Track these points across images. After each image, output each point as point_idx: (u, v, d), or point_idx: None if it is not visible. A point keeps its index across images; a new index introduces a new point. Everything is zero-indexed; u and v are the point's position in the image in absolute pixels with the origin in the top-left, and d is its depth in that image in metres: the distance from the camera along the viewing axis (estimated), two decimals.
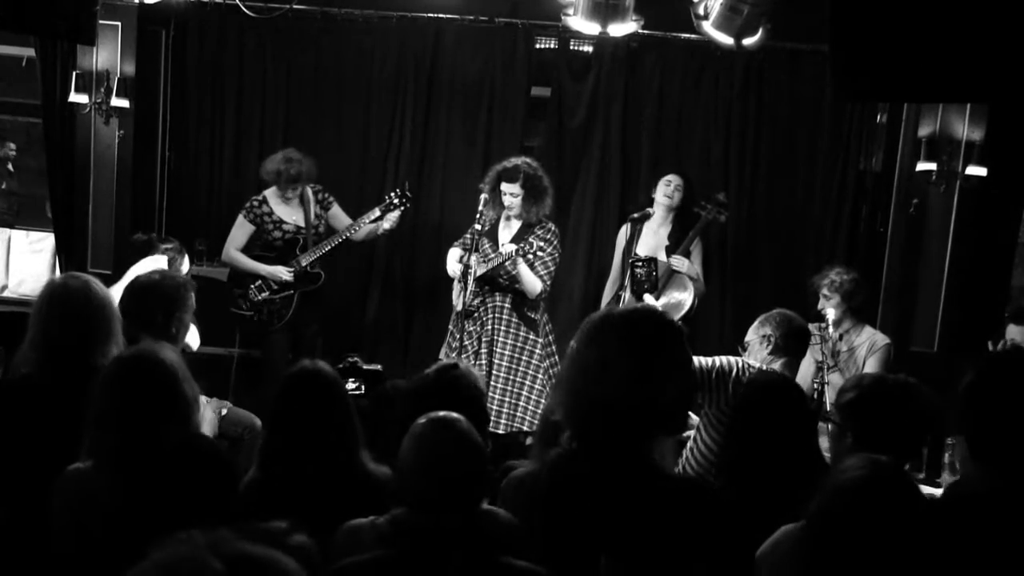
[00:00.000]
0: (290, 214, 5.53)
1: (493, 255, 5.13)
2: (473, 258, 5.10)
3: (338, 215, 5.64)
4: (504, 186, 5.13)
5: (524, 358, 5.24)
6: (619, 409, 2.00)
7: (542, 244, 5.06)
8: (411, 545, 2.02)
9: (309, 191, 5.52)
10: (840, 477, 2.08)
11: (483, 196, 5.19)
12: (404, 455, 2.09)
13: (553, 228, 5.24)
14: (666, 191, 5.42)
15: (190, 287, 3.70)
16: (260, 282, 5.51)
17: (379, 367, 4.56)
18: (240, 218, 5.57)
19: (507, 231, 5.25)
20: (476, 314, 5.17)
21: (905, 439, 2.66)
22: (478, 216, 5.11)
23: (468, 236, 5.38)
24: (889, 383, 2.79)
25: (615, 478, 2.01)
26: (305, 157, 5.45)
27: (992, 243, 5.81)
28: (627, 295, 5.13)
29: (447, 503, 2.03)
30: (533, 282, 5.12)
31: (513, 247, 5.02)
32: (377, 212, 5.49)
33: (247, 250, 5.56)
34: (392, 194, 5.53)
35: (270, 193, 5.52)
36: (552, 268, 5.21)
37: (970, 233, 5.68)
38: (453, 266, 5.32)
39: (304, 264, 5.51)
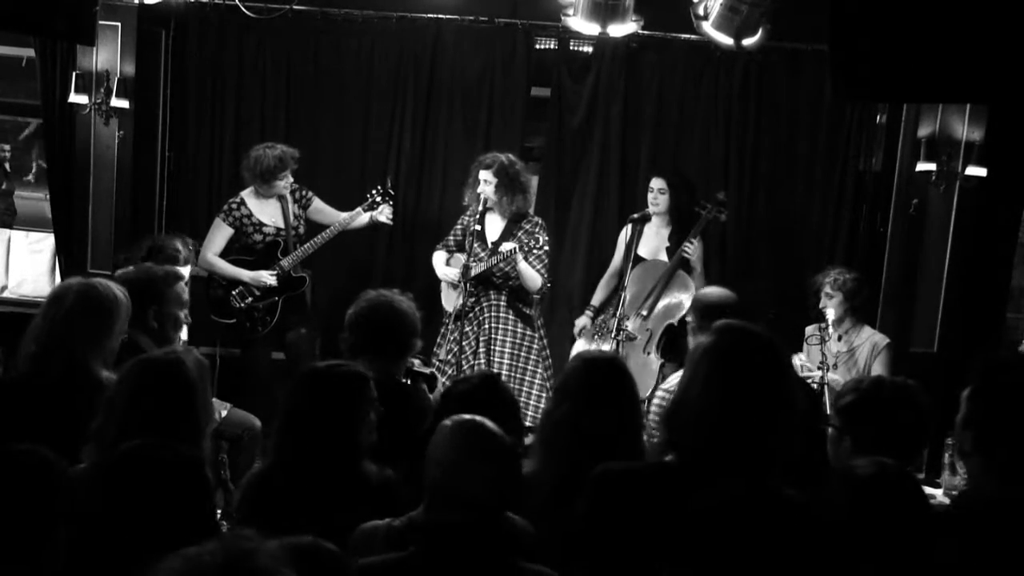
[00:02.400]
0: (270, 216, 5.40)
1: (483, 254, 5.16)
2: (466, 259, 5.18)
3: (321, 209, 5.55)
4: (480, 173, 5.26)
5: (523, 354, 5.30)
6: (751, 437, 2.00)
7: (538, 237, 5.13)
8: (434, 545, 2.02)
9: (287, 192, 5.39)
10: (846, 477, 2.08)
11: (468, 193, 5.34)
12: (439, 453, 2.08)
13: (539, 221, 5.36)
14: (650, 197, 5.47)
15: (171, 280, 3.61)
16: (242, 288, 5.35)
17: (430, 371, 4.09)
18: (218, 220, 5.41)
19: (493, 228, 5.28)
20: (472, 314, 5.20)
21: (904, 442, 2.64)
22: (469, 216, 5.19)
23: (450, 238, 5.50)
24: (887, 386, 2.77)
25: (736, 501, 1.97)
26: (279, 145, 5.37)
27: (992, 243, 5.80)
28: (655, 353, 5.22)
29: (476, 503, 2.03)
30: (534, 277, 5.20)
31: (511, 245, 5.06)
32: (360, 210, 5.46)
33: (224, 254, 5.39)
34: (373, 192, 5.49)
35: (247, 194, 5.41)
36: (546, 260, 5.31)
37: (970, 233, 5.68)
38: (443, 269, 5.38)
39: (287, 268, 5.39)
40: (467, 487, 2.03)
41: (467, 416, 2.16)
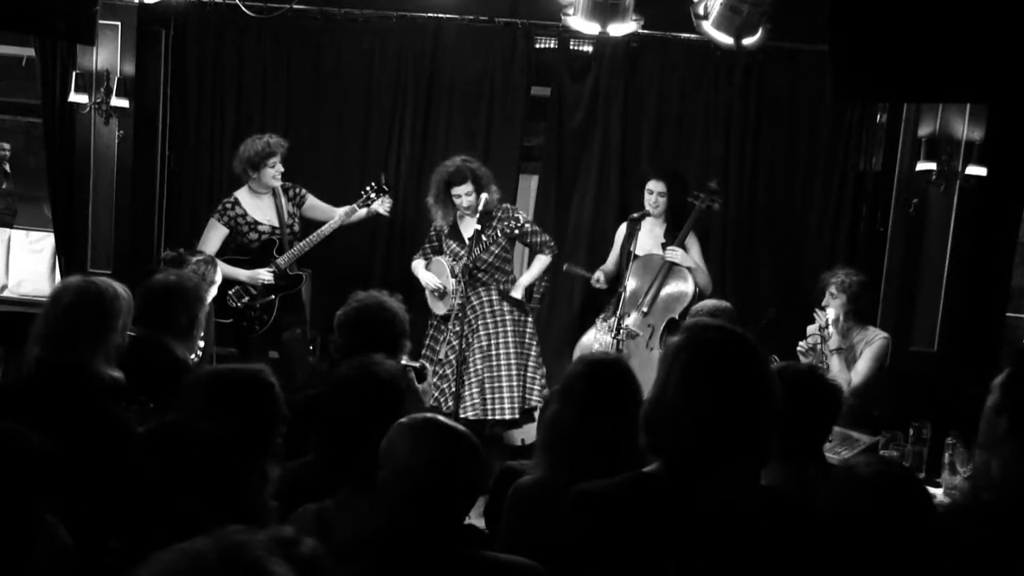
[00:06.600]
0: (264, 214, 5.40)
1: (462, 251, 5.22)
2: (444, 260, 5.32)
3: (316, 205, 5.55)
4: (455, 190, 5.23)
5: (524, 340, 5.43)
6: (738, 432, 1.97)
7: (517, 216, 5.33)
8: (383, 556, 1.96)
9: (278, 184, 5.39)
10: (850, 475, 2.07)
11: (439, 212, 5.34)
12: (400, 453, 2.00)
13: (510, 206, 5.46)
14: (649, 200, 5.50)
15: (196, 281, 3.76)
16: (238, 288, 5.34)
17: (419, 363, 4.19)
18: (212, 220, 5.41)
19: (469, 226, 5.30)
20: (461, 313, 5.19)
21: (802, 425, 2.63)
22: (442, 221, 5.33)
23: (427, 245, 5.55)
24: (790, 370, 2.79)
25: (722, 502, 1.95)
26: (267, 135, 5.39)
27: (992, 243, 5.81)
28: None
29: (440, 500, 1.97)
30: (543, 263, 5.44)
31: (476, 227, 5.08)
32: (355, 207, 5.45)
33: (219, 255, 5.34)
34: (368, 188, 5.48)
35: (241, 193, 5.42)
36: (540, 231, 5.45)
37: (970, 233, 5.68)
38: (425, 276, 5.42)
39: (283, 266, 5.39)
40: (442, 485, 1.96)
41: (419, 415, 2.09)
